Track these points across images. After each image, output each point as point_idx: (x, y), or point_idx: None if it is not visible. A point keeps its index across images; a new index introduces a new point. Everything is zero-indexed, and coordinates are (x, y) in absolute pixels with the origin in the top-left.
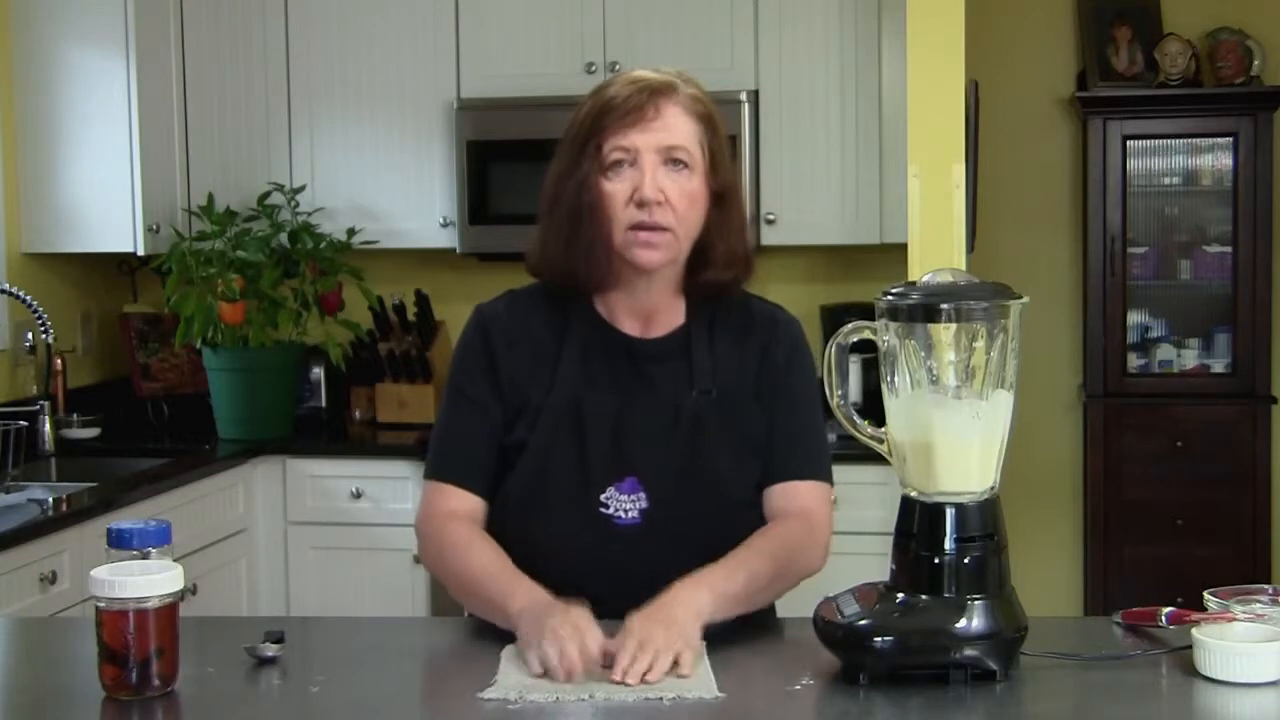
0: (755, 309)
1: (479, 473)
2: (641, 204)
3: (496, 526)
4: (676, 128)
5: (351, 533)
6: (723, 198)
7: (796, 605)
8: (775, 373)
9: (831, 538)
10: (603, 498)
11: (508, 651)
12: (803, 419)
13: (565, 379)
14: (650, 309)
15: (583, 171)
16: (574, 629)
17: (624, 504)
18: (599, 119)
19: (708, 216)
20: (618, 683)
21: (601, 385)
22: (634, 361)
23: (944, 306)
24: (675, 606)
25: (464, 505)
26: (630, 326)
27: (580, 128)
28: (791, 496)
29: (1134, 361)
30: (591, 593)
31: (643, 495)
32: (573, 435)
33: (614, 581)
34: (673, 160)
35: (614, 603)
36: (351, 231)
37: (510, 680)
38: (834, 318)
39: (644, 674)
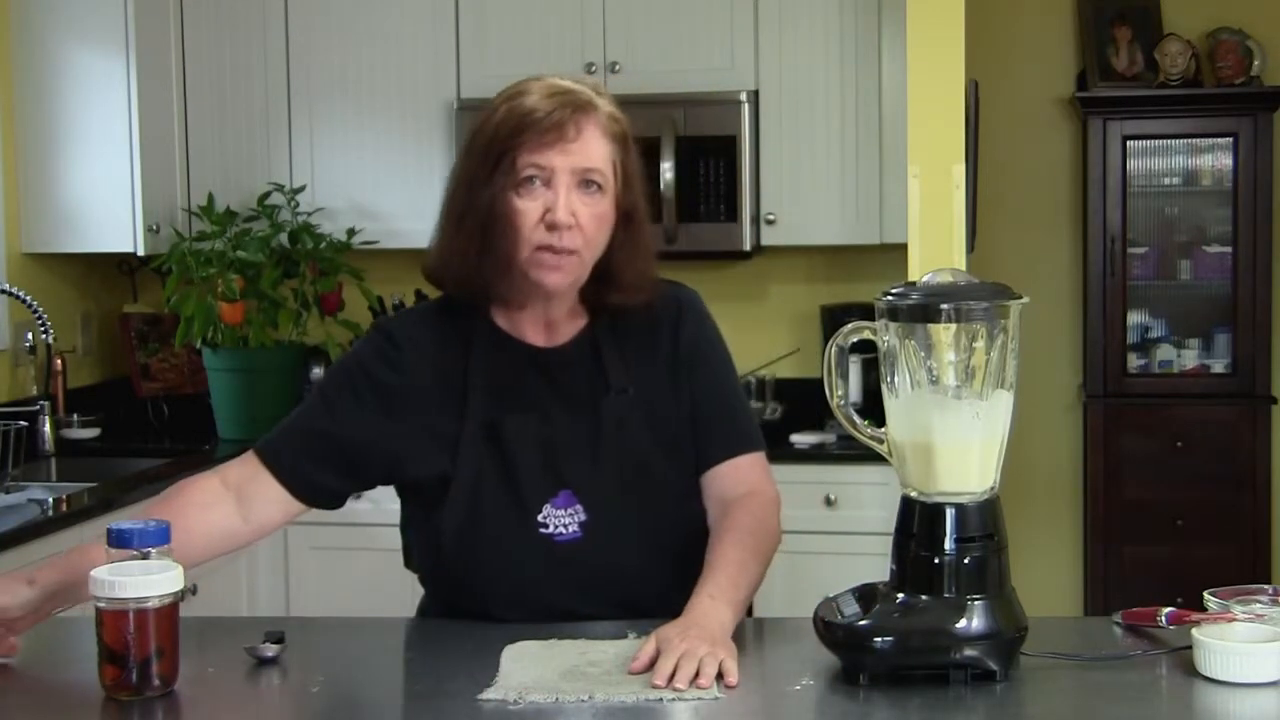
0: (653, 294)
1: (296, 470)
2: (552, 226)
3: (434, 561)
4: (594, 150)
5: (351, 533)
6: (631, 217)
7: (797, 605)
8: (690, 348)
9: (780, 501)
10: (540, 518)
11: (508, 652)
12: (727, 393)
13: (477, 404)
14: (552, 319)
15: (494, 185)
16: None
17: (562, 520)
18: (516, 132)
19: (614, 237)
20: (660, 688)
21: (516, 404)
22: (544, 373)
23: (944, 306)
24: (708, 621)
25: (246, 475)
26: (535, 336)
27: (495, 136)
28: (737, 478)
29: (1134, 361)
30: (540, 605)
31: (579, 508)
32: (498, 461)
33: (560, 593)
34: (586, 182)
35: (568, 612)
36: (351, 231)
37: (511, 681)
38: (834, 318)
39: (692, 679)
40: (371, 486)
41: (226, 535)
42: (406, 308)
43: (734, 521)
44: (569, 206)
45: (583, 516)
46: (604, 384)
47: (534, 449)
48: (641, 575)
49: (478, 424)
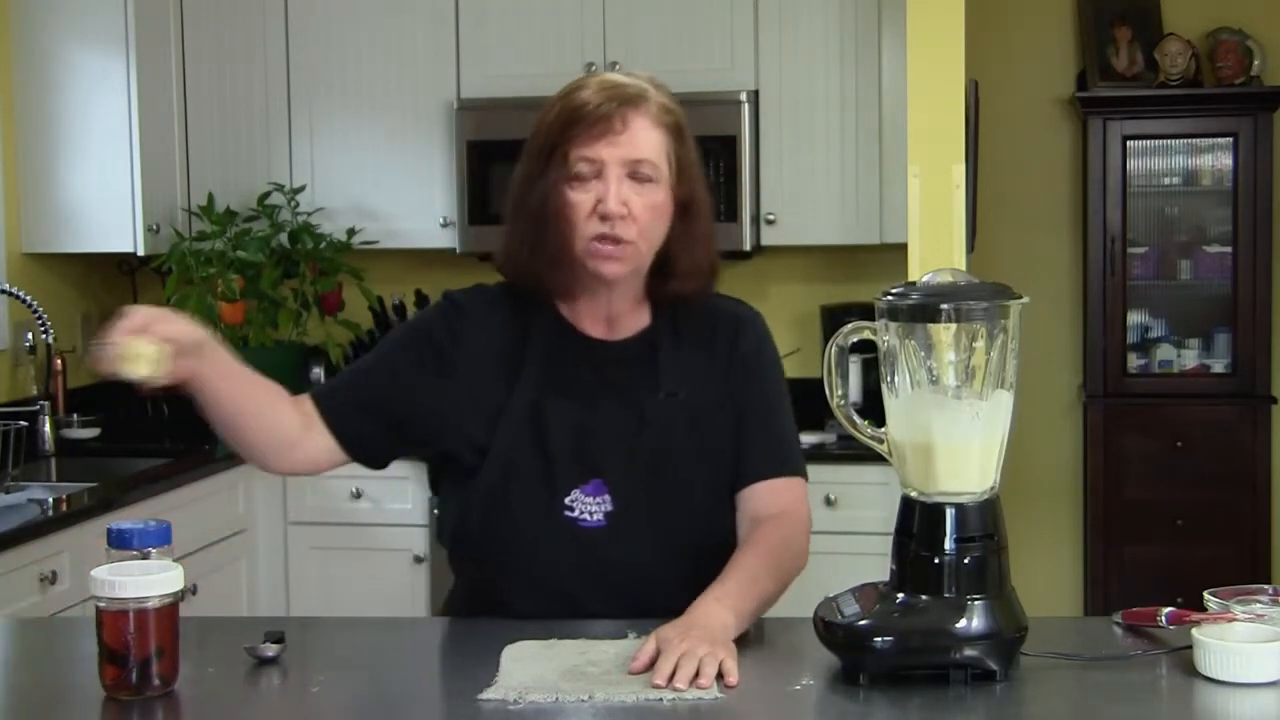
0: (717, 308)
1: (344, 418)
2: (605, 217)
3: (460, 532)
4: (643, 141)
5: (351, 533)
6: (688, 208)
7: (796, 605)
8: (745, 369)
9: (811, 528)
10: (568, 500)
11: (508, 652)
12: (775, 413)
13: (527, 383)
14: (614, 313)
15: (548, 179)
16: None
17: (589, 506)
18: (567, 126)
19: (672, 227)
20: (660, 688)
21: (564, 389)
22: (598, 365)
23: (944, 306)
24: (709, 622)
25: (307, 412)
26: (594, 329)
27: (548, 133)
28: (771, 499)
29: (1134, 361)
30: (559, 592)
31: (608, 498)
32: (535, 439)
33: (580, 581)
34: (638, 174)
35: (580, 601)
36: (351, 231)
37: (511, 681)
38: (834, 318)
39: (692, 679)
40: (411, 449)
41: (285, 440)
42: (478, 284)
43: (759, 536)
44: (620, 197)
45: (609, 507)
46: (655, 383)
47: (572, 434)
48: (655, 574)
49: (524, 401)
